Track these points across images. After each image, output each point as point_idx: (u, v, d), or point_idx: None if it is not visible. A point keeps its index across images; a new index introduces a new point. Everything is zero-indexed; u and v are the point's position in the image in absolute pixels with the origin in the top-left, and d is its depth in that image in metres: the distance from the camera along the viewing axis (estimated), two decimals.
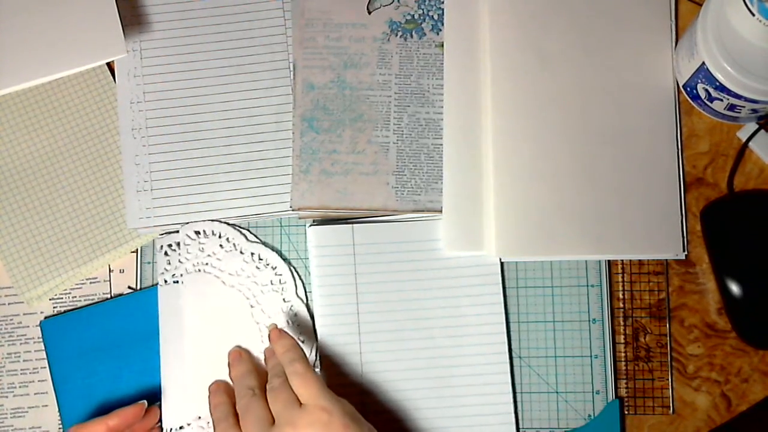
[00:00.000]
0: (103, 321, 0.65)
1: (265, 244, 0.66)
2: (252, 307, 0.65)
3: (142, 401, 0.62)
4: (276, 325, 0.63)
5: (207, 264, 0.66)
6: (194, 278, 0.65)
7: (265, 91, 0.68)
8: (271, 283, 0.66)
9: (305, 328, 0.65)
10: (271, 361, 0.62)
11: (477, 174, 0.66)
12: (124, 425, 0.60)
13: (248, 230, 0.67)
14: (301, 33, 0.68)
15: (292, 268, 0.66)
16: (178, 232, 0.66)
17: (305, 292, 0.66)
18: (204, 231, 0.66)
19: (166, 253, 0.66)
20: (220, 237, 0.66)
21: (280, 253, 0.66)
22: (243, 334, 0.65)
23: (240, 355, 0.64)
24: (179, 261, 0.66)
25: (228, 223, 0.66)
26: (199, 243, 0.66)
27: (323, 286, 0.65)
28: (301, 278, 0.66)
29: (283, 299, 0.66)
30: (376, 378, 0.64)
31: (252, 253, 0.66)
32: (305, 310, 0.66)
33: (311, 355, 0.65)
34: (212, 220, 0.66)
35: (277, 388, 0.58)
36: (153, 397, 0.64)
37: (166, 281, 0.65)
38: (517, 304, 0.65)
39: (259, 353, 0.65)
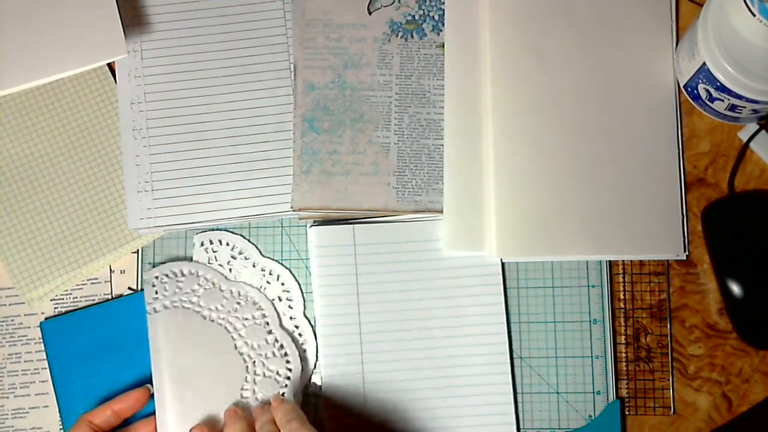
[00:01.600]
0: (104, 322, 0.65)
1: (245, 282, 0.66)
2: (234, 339, 0.65)
3: (146, 385, 0.63)
4: (279, 397, 0.63)
5: (186, 300, 0.65)
6: (173, 314, 0.65)
7: (266, 92, 0.68)
8: (254, 318, 0.65)
9: (292, 358, 0.65)
10: (261, 419, 0.61)
11: (477, 174, 0.66)
12: (129, 409, 0.62)
13: (228, 271, 0.66)
14: (301, 33, 0.68)
15: (274, 302, 0.66)
16: (164, 263, 0.66)
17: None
18: (182, 271, 0.66)
19: (153, 285, 0.65)
20: (198, 276, 0.66)
21: (260, 289, 0.66)
22: (228, 366, 0.64)
23: (236, 413, 0.62)
24: (158, 295, 0.65)
25: (207, 264, 0.66)
26: (177, 281, 0.65)
27: (324, 286, 0.65)
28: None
29: (268, 332, 0.65)
30: (377, 378, 0.64)
31: (231, 291, 0.66)
32: (290, 341, 0.65)
33: (298, 384, 0.64)
34: (190, 260, 0.66)
35: None
36: None
37: (155, 310, 0.65)
38: (517, 304, 0.65)
39: (244, 382, 0.64)
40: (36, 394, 0.66)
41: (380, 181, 0.66)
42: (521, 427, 0.64)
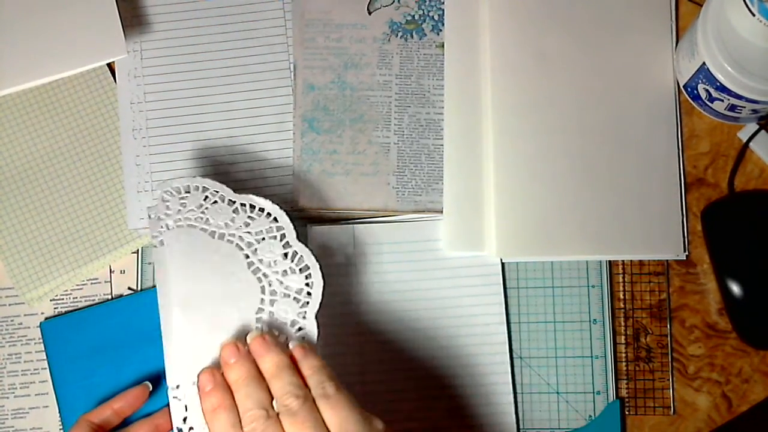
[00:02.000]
0: (104, 322, 0.65)
1: (256, 194, 0.60)
2: (248, 257, 0.58)
3: (145, 383, 0.62)
4: (302, 344, 0.55)
5: (191, 218, 0.59)
6: (177, 234, 0.59)
7: (266, 92, 0.68)
8: (267, 231, 0.59)
9: (313, 271, 0.59)
10: (270, 359, 0.53)
11: (477, 174, 0.66)
12: (128, 407, 0.61)
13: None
14: (301, 33, 0.68)
15: (289, 213, 0.60)
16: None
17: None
18: (186, 187, 0.60)
19: (159, 218, 0.60)
20: (202, 191, 0.60)
21: (273, 200, 0.60)
22: (241, 287, 0.58)
23: (237, 350, 0.54)
24: (160, 219, 0.59)
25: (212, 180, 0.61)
26: (180, 199, 0.60)
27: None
28: (294, 225, 0.60)
29: (284, 245, 0.59)
30: (377, 378, 0.64)
31: (243, 204, 0.60)
32: (309, 252, 0.59)
33: (319, 299, 0.58)
34: (194, 176, 0.62)
35: (297, 412, 0.50)
36: (158, 397, 0.64)
37: (162, 243, 0.59)
38: (517, 304, 0.65)
39: (259, 304, 0.58)
40: (36, 395, 0.66)
41: (380, 181, 0.66)
42: (521, 427, 0.64)
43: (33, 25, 0.65)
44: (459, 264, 0.65)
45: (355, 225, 0.66)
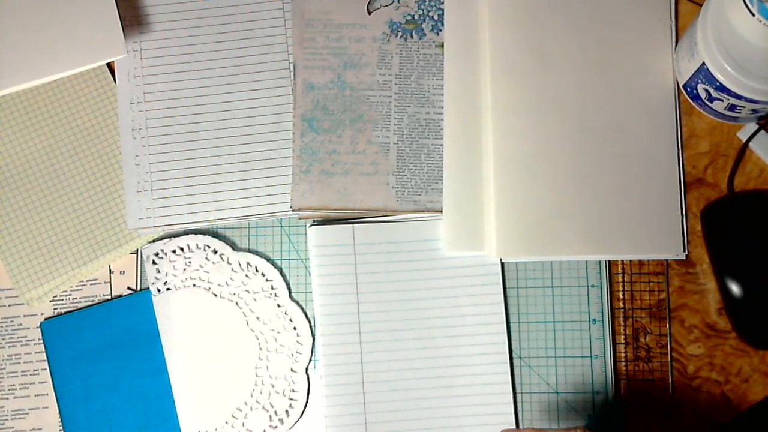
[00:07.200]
0: (104, 322, 0.65)
1: (253, 252, 0.66)
2: (245, 315, 0.65)
3: None
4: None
5: (195, 278, 0.66)
6: (184, 293, 0.65)
7: (266, 92, 0.68)
8: (263, 290, 0.66)
9: (302, 330, 0.66)
10: None
11: (477, 174, 0.66)
12: None
13: (232, 241, 0.67)
14: (301, 33, 0.68)
15: (282, 272, 0.66)
16: (163, 239, 0.66)
17: (305, 292, 0.67)
18: (188, 245, 0.66)
19: (153, 262, 0.66)
20: (205, 250, 0.66)
21: (269, 259, 0.66)
22: (240, 343, 0.65)
23: None
24: (167, 273, 0.66)
25: (214, 234, 0.66)
26: (185, 257, 0.66)
27: (323, 285, 0.65)
28: (288, 282, 0.66)
29: (278, 305, 0.66)
30: (376, 378, 0.64)
31: (239, 262, 0.66)
32: (300, 312, 0.66)
33: (308, 356, 0.65)
34: (197, 233, 0.66)
35: None
36: (158, 398, 0.64)
37: (159, 290, 0.66)
38: (517, 304, 0.66)
39: (257, 360, 0.65)
40: (36, 395, 0.66)
41: (380, 181, 0.66)
42: (521, 426, 0.64)
43: (32, 24, 0.65)
44: (459, 264, 0.65)
45: (354, 225, 0.66)
